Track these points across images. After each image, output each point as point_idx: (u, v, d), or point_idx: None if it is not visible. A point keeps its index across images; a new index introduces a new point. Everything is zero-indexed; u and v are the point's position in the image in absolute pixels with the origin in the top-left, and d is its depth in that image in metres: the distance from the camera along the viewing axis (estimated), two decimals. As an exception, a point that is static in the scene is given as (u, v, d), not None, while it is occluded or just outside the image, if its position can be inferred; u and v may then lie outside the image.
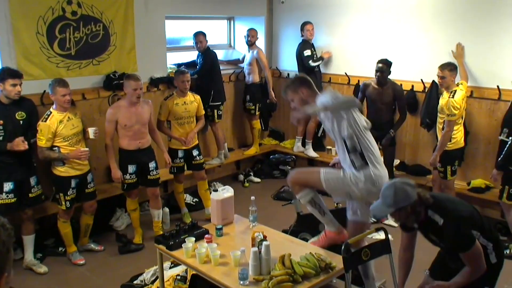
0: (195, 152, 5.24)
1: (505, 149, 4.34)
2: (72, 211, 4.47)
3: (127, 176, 4.66)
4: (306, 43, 6.26)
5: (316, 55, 6.26)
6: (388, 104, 5.27)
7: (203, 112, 5.31)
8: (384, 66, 5.17)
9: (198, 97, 5.22)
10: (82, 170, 4.39)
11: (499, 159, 4.44)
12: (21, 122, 4.19)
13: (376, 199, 2.87)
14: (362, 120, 3.24)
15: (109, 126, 4.57)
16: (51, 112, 4.20)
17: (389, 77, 5.28)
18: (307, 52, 6.20)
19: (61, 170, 4.29)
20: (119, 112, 4.54)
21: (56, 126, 4.15)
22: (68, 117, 4.24)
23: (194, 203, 5.76)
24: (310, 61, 6.19)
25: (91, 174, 4.56)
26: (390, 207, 2.68)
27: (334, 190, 3.30)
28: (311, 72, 6.06)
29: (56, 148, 4.21)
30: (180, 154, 5.16)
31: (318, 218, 3.47)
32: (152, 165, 4.76)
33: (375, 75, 5.24)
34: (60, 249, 4.66)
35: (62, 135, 4.20)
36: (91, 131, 4.35)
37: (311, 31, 6.19)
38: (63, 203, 4.33)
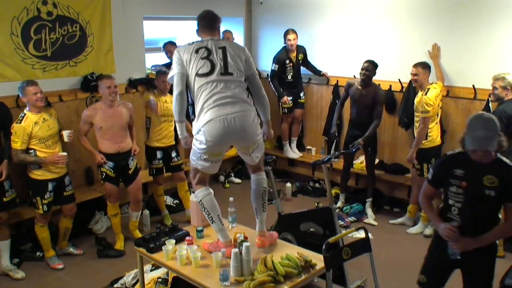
0: (173, 153, 5.22)
1: None
2: (50, 215, 4.39)
3: (106, 167, 4.54)
4: (283, 53, 6.21)
5: (291, 67, 6.22)
6: (368, 106, 5.28)
7: None
8: (370, 65, 5.18)
9: None
10: (59, 173, 4.32)
11: None
12: None
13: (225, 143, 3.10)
14: (199, 65, 3.11)
15: (83, 127, 4.52)
16: (25, 114, 4.12)
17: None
18: (275, 67, 6.20)
19: (37, 174, 4.21)
20: (96, 114, 4.47)
21: (31, 128, 4.07)
22: (44, 118, 4.17)
23: (174, 205, 5.73)
24: (271, 77, 6.26)
25: (69, 177, 4.49)
26: (497, 133, 2.65)
27: (198, 164, 3.20)
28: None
29: (32, 151, 4.13)
30: (159, 155, 5.13)
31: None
32: (130, 161, 4.69)
33: (360, 74, 5.25)
34: (37, 253, 4.58)
35: (38, 137, 4.12)
36: (65, 134, 4.29)
37: (292, 41, 6.08)
38: (40, 207, 4.25)
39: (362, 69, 5.22)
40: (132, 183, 4.74)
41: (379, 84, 5.43)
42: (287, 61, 6.20)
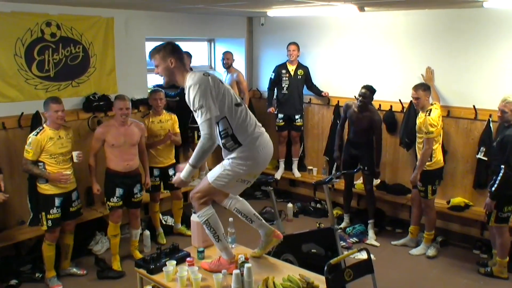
0: (171, 171, 5.27)
1: (499, 178, 4.22)
2: (57, 232, 4.35)
3: (114, 199, 4.60)
4: (283, 64, 6.39)
5: (287, 78, 6.32)
6: (365, 129, 5.31)
7: (178, 130, 5.36)
8: (367, 92, 5.17)
9: (174, 116, 5.33)
10: (67, 188, 4.33)
11: (493, 188, 4.28)
12: None
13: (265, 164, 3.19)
14: (232, 95, 3.10)
15: (96, 144, 4.57)
16: (43, 128, 4.19)
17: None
18: (272, 75, 6.41)
19: (45, 188, 4.23)
20: (109, 131, 4.55)
21: (45, 142, 4.14)
22: (59, 136, 4.23)
23: (173, 225, 5.69)
24: (268, 86, 6.46)
25: (77, 192, 4.48)
26: None
27: (228, 186, 3.17)
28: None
29: (42, 163, 4.17)
30: (156, 172, 5.21)
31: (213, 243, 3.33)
32: (136, 189, 4.76)
33: (357, 100, 5.26)
34: (37, 275, 4.53)
35: (49, 152, 4.17)
36: (74, 154, 4.34)
37: (291, 52, 6.26)
38: (44, 223, 4.23)
39: (360, 95, 5.22)
40: (133, 208, 4.83)
41: (379, 106, 5.44)
42: (284, 71, 6.33)
